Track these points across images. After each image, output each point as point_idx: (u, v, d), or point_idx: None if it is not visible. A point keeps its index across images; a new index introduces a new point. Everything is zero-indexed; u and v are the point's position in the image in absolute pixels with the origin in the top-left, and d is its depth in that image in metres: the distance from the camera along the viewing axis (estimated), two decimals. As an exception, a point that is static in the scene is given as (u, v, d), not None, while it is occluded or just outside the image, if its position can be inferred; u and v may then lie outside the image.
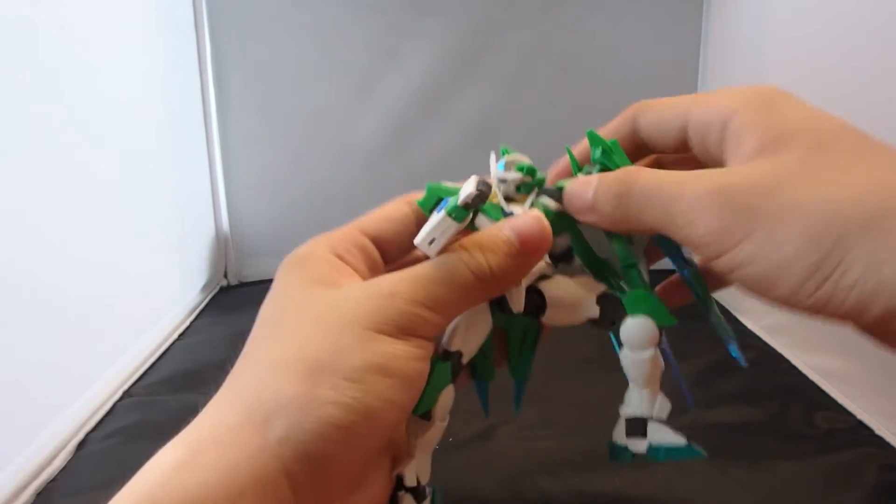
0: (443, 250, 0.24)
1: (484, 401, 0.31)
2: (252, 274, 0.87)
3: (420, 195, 0.28)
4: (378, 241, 0.27)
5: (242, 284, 0.86)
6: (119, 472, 0.45)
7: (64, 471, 0.44)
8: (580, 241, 0.27)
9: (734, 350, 0.26)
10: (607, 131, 0.27)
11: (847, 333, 0.20)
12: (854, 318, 0.18)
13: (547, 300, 0.27)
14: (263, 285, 0.90)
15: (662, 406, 0.27)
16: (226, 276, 0.86)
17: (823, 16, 0.54)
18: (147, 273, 0.65)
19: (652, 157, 0.29)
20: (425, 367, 0.24)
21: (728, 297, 0.72)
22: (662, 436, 0.27)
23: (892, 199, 0.18)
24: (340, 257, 0.25)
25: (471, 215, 0.24)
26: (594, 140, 0.27)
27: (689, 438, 0.27)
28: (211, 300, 0.79)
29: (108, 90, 0.57)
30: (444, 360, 0.26)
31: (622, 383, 0.28)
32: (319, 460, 0.20)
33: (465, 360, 0.27)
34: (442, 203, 0.25)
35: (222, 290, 0.83)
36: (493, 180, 0.27)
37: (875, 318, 0.18)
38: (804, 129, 0.21)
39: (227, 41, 0.81)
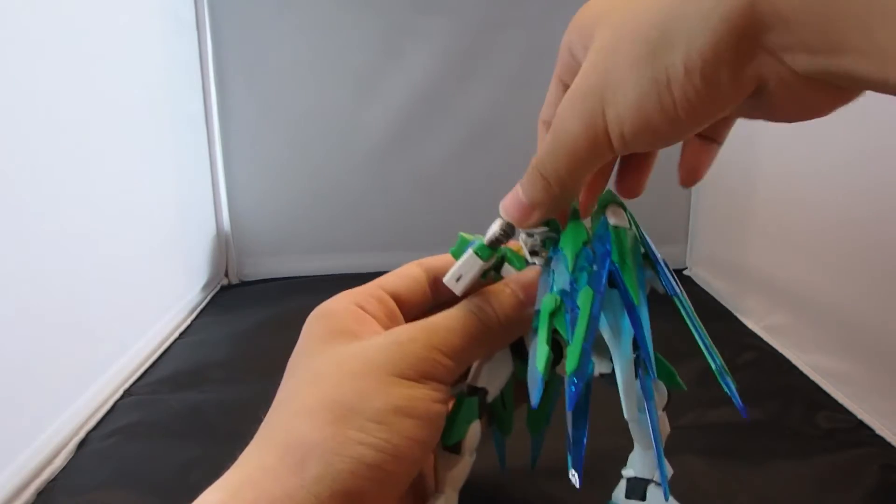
0: (468, 290, 0.27)
1: (501, 453, 0.33)
2: (253, 273, 0.87)
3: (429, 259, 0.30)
4: (395, 297, 0.29)
5: (243, 283, 0.86)
6: (120, 470, 0.45)
7: (65, 469, 0.44)
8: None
9: (735, 396, 0.25)
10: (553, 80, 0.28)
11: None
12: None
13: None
14: (264, 284, 0.89)
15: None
16: (227, 275, 0.86)
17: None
18: (148, 272, 0.65)
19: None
20: (442, 408, 0.25)
21: (728, 297, 0.72)
22: (661, 502, 0.27)
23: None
24: (361, 307, 0.27)
25: (495, 255, 0.27)
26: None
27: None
28: (212, 299, 0.79)
29: (109, 90, 0.57)
30: (470, 395, 0.28)
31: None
32: (353, 497, 0.21)
33: (489, 398, 0.28)
34: (469, 244, 0.27)
35: (223, 288, 0.84)
36: (520, 234, 0.29)
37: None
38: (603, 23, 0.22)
39: (228, 40, 0.81)
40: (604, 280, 0.24)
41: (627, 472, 0.28)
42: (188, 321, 0.71)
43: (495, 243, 0.26)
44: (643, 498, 0.27)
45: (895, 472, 0.40)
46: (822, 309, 0.54)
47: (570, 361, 0.22)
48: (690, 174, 0.27)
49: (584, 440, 0.24)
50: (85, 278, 0.51)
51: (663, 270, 0.26)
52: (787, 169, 0.62)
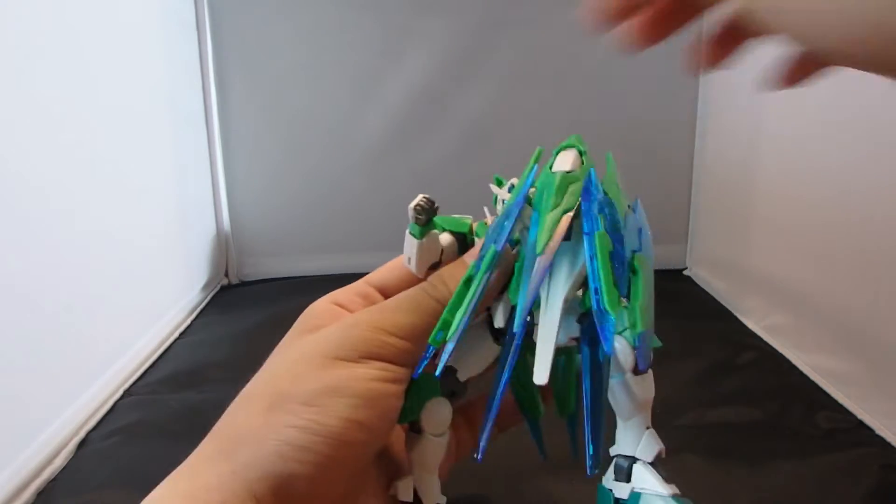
0: (426, 267, 0.27)
1: (538, 440, 0.31)
2: (253, 273, 0.87)
3: None
4: (384, 290, 0.29)
5: (243, 283, 0.86)
6: (120, 470, 0.45)
7: (65, 469, 0.44)
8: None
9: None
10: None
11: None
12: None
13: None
14: (264, 284, 0.89)
15: (648, 445, 0.24)
16: (226, 275, 0.86)
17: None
18: (148, 272, 0.65)
19: None
20: (387, 387, 0.24)
21: (728, 297, 0.72)
22: (648, 483, 0.24)
23: None
24: (341, 305, 0.28)
25: (432, 232, 0.27)
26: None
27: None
28: (212, 299, 0.79)
29: (109, 90, 0.57)
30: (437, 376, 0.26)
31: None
32: (286, 480, 0.21)
33: (461, 376, 0.27)
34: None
35: (223, 288, 0.84)
36: (497, 205, 0.29)
37: None
38: None
39: (228, 41, 0.81)
40: (506, 233, 0.23)
41: (614, 449, 0.25)
42: (188, 321, 0.71)
43: (419, 220, 0.26)
44: (628, 479, 0.24)
45: (895, 472, 0.40)
46: (822, 309, 0.54)
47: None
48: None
49: (602, 424, 0.21)
50: (85, 278, 0.51)
51: (588, 209, 0.23)
52: (787, 169, 0.62)
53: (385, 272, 0.30)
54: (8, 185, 0.42)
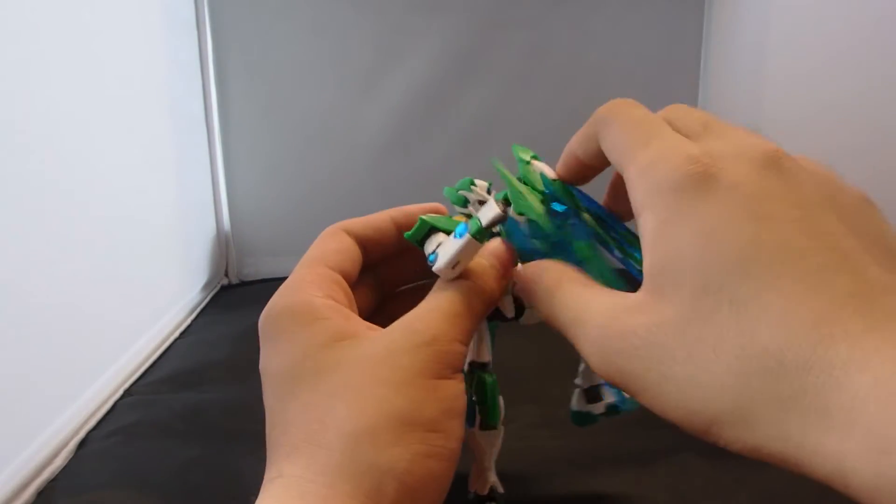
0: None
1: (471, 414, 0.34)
2: (253, 273, 0.87)
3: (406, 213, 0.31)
4: (342, 274, 0.28)
5: (243, 283, 0.86)
6: (120, 470, 0.45)
7: (65, 470, 0.44)
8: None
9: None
10: (577, 140, 0.27)
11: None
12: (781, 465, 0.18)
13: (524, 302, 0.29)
14: (264, 284, 0.89)
15: None
16: (227, 274, 0.86)
17: (825, 17, 0.54)
18: (148, 272, 0.65)
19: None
20: (465, 397, 0.26)
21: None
22: (615, 394, 0.31)
23: (756, 384, 0.17)
24: (333, 299, 0.27)
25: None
26: (519, 155, 0.29)
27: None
28: (212, 299, 0.79)
29: (109, 89, 0.57)
30: (483, 372, 0.30)
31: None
32: None
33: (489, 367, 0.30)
34: (460, 228, 0.26)
35: (223, 288, 0.84)
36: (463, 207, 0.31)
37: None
38: (692, 266, 0.19)
39: (228, 40, 0.81)
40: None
41: (579, 381, 0.31)
42: (188, 321, 0.71)
43: (493, 224, 0.25)
44: (601, 398, 0.31)
45: (895, 472, 0.40)
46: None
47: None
48: None
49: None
50: (85, 278, 0.51)
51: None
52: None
53: (337, 256, 0.29)
54: (6, 185, 0.42)
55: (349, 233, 0.30)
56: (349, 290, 0.28)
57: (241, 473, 0.39)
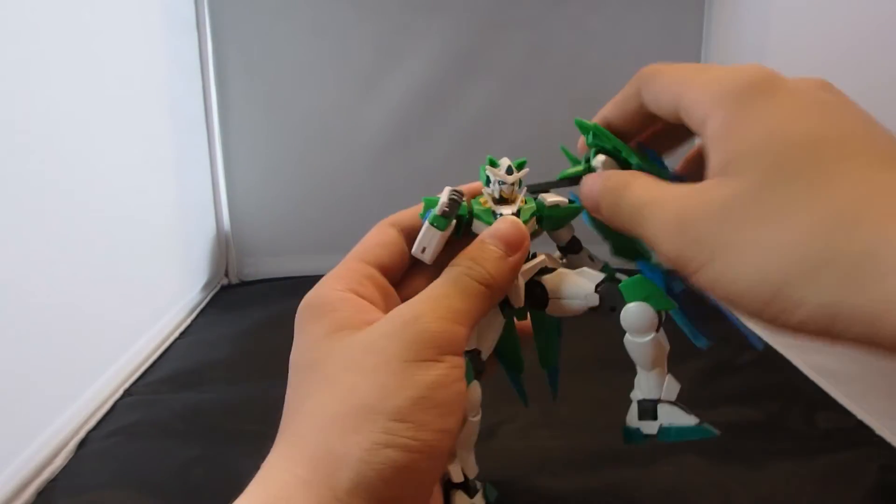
0: (439, 256, 0.27)
1: (521, 392, 0.33)
2: (253, 273, 0.87)
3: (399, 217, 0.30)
4: (380, 267, 0.28)
5: (243, 283, 0.86)
6: (120, 470, 0.45)
7: (65, 469, 0.44)
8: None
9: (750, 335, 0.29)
10: (613, 104, 0.28)
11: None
12: (821, 335, 0.19)
13: (549, 292, 0.28)
14: (264, 284, 0.89)
15: (671, 387, 0.28)
16: (227, 274, 0.86)
17: (825, 17, 0.54)
18: (148, 272, 0.65)
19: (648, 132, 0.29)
20: (463, 385, 0.24)
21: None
22: (673, 417, 0.28)
23: (832, 241, 0.18)
24: (356, 292, 0.26)
25: (452, 222, 0.27)
26: (583, 127, 0.29)
27: (701, 418, 0.27)
28: (212, 299, 0.79)
29: (109, 90, 0.57)
30: (470, 358, 0.28)
31: (624, 383, 0.28)
32: (389, 502, 0.21)
33: (483, 356, 0.28)
34: (427, 213, 0.27)
35: (223, 288, 0.84)
36: (493, 185, 0.29)
37: (845, 341, 0.18)
38: (763, 149, 0.20)
39: (228, 40, 0.81)
40: None
41: (635, 394, 0.29)
42: (188, 321, 0.71)
43: (447, 213, 0.27)
44: (655, 417, 0.28)
45: (894, 472, 0.40)
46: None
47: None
48: None
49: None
50: (85, 278, 0.51)
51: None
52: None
53: (380, 249, 0.28)
54: (7, 185, 0.42)
55: (397, 225, 0.29)
56: (385, 282, 0.28)
57: (241, 473, 0.38)
